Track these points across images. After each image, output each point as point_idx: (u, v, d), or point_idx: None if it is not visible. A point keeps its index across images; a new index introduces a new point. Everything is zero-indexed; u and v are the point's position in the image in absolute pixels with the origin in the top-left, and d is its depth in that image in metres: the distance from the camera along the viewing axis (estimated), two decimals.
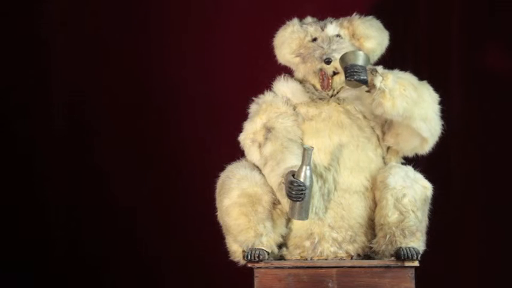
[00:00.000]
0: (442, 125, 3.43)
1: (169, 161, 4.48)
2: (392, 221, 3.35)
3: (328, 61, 3.45)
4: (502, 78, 4.35)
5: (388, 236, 3.35)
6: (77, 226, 4.48)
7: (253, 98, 3.58)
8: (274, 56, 3.62)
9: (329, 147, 3.44)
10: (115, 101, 4.50)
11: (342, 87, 3.54)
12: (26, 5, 4.52)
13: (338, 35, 3.54)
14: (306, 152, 3.24)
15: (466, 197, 4.33)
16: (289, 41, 3.56)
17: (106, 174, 4.49)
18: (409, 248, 3.32)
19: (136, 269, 4.45)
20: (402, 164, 3.51)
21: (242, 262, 3.46)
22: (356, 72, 3.29)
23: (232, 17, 4.48)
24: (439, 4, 4.40)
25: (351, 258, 3.41)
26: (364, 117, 3.50)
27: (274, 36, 3.61)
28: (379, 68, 3.34)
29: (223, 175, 3.47)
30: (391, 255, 3.35)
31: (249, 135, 3.51)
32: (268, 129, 3.47)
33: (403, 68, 4.24)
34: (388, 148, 3.52)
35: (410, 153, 3.52)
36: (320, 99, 3.53)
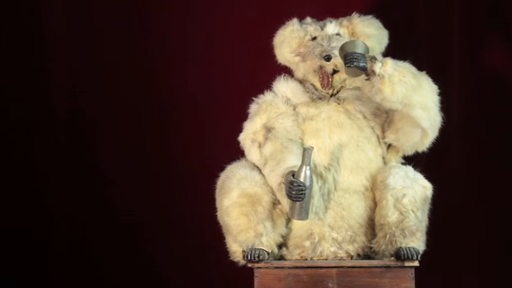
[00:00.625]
0: (442, 117, 3.42)
1: (169, 161, 4.48)
2: (392, 221, 3.35)
3: (328, 58, 3.46)
4: (502, 78, 4.35)
5: (388, 236, 3.35)
6: (77, 226, 4.48)
7: (253, 98, 3.58)
8: (274, 56, 3.63)
9: (329, 147, 3.44)
10: (115, 101, 4.50)
11: (342, 86, 3.55)
12: (26, 5, 4.53)
13: (338, 34, 3.54)
14: (306, 152, 3.24)
15: (466, 197, 4.33)
16: (289, 39, 3.56)
17: (106, 174, 4.49)
18: (409, 248, 3.32)
19: (136, 269, 4.45)
20: (402, 164, 3.52)
21: (242, 262, 3.46)
22: (355, 58, 3.28)
23: (233, 17, 4.48)
24: (439, 4, 4.40)
25: (351, 258, 3.41)
26: (364, 117, 3.50)
27: (274, 37, 3.62)
28: (378, 56, 3.35)
29: (223, 175, 3.48)
30: (391, 255, 3.35)
31: (249, 135, 3.51)
32: (268, 129, 3.48)
33: None
34: (388, 148, 3.52)
35: (410, 150, 3.51)
36: (320, 99, 3.53)
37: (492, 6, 4.35)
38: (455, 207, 4.31)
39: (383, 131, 3.50)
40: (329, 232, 3.41)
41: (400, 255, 3.32)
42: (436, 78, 3.44)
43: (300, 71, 3.57)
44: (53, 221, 4.49)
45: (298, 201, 3.27)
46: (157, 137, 4.49)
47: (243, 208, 3.37)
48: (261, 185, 3.40)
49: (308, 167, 3.25)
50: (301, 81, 3.59)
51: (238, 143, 3.53)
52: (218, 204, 3.47)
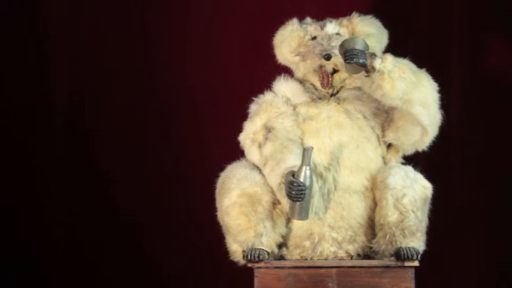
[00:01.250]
0: (442, 114, 3.42)
1: (169, 161, 4.48)
2: (392, 220, 3.35)
3: (327, 57, 3.46)
4: (502, 78, 4.35)
5: (388, 236, 3.35)
6: (77, 226, 4.48)
7: (253, 98, 3.58)
8: (274, 56, 3.63)
9: (329, 147, 3.44)
10: (116, 101, 4.50)
11: (342, 86, 3.55)
12: (26, 5, 4.53)
13: (338, 33, 3.54)
14: (306, 152, 3.24)
15: (466, 197, 4.33)
16: (289, 39, 3.56)
17: (106, 174, 4.49)
18: (409, 248, 3.32)
19: (136, 269, 4.45)
20: (402, 163, 3.51)
21: (242, 262, 3.46)
22: (355, 55, 3.28)
23: (233, 17, 4.49)
24: (439, 4, 4.40)
25: (351, 258, 3.41)
26: (364, 117, 3.50)
27: (274, 37, 3.61)
28: (378, 52, 3.35)
29: (223, 175, 3.48)
30: (391, 255, 3.35)
31: (249, 135, 3.51)
32: (268, 129, 3.48)
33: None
34: (388, 148, 3.52)
35: (410, 150, 3.51)
36: (320, 99, 3.53)
37: (492, 6, 4.35)
38: (455, 207, 4.31)
39: (383, 130, 3.49)
40: (329, 232, 3.41)
41: (400, 255, 3.32)
42: (436, 78, 3.44)
43: (300, 70, 3.57)
44: (53, 221, 4.49)
45: (298, 201, 3.26)
46: (157, 137, 4.49)
47: (243, 208, 3.37)
48: (261, 185, 3.40)
49: (308, 167, 3.25)
50: (301, 81, 3.59)
51: (238, 143, 3.53)
52: (218, 204, 3.47)
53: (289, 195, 3.26)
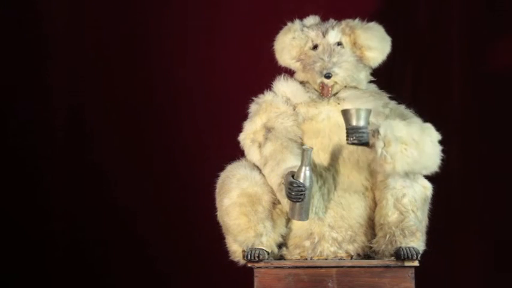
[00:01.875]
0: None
1: (169, 161, 4.48)
2: (392, 220, 3.35)
3: (328, 76, 3.45)
4: (502, 78, 4.35)
5: (388, 236, 3.35)
6: (77, 226, 4.48)
7: (253, 98, 3.58)
8: (275, 56, 3.62)
9: (329, 147, 3.44)
10: (116, 101, 4.51)
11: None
12: (26, 5, 4.53)
13: (339, 43, 3.52)
14: (305, 152, 3.24)
15: (466, 197, 4.33)
16: (290, 48, 3.56)
17: (106, 174, 4.49)
18: (409, 247, 3.32)
19: (136, 269, 4.45)
20: None
21: (242, 262, 3.46)
22: (358, 137, 3.28)
23: (233, 17, 4.49)
24: (439, 4, 4.40)
25: (351, 258, 3.41)
26: None
27: (275, 37, 3.61)
28: (381, 129, 3.29)
29: (223, 175, 3.48)
30: (391, 255, 3.35)
31: (249, 135, 3.51)
32: (268, 129, 3.47)
33: (403, 69, 4.26)
34: None
35: None
36: (320, 98, 3.53)
37: (492, 6, 4.35)
38: (455, 207, 4.31)
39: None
40: (329, 232, 3.41)
41: (400, 255, 3.32)
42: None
43: (300, 75, 3.58)
44: (53, 221, 4.49)
45: (298, 202, 3.26)
46: (158, 137, 4.49)
47: (243, 208, 3.37)
48: (261, 185, 3.40)
49: (308, 168, 3.25)
50: (301, 82, 3.58)
51: (238, 142, 3.53)
52: (218, 204, 3.47)
53: (289, 196, 3.26)
